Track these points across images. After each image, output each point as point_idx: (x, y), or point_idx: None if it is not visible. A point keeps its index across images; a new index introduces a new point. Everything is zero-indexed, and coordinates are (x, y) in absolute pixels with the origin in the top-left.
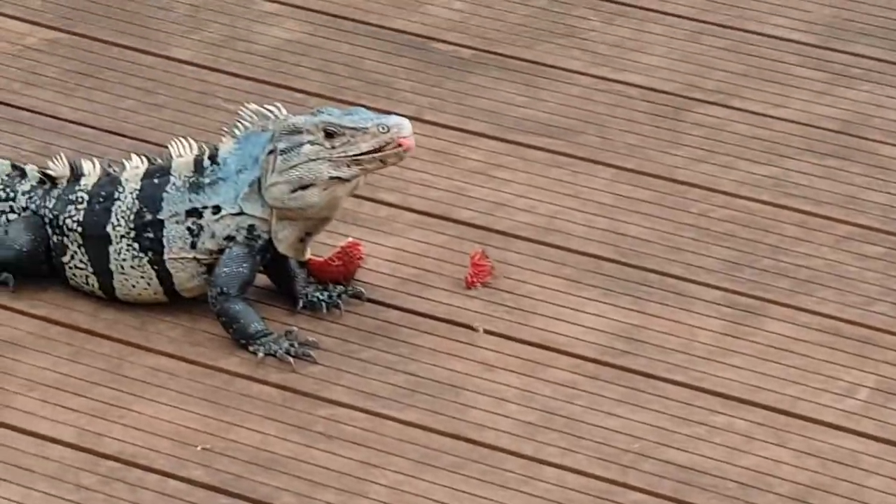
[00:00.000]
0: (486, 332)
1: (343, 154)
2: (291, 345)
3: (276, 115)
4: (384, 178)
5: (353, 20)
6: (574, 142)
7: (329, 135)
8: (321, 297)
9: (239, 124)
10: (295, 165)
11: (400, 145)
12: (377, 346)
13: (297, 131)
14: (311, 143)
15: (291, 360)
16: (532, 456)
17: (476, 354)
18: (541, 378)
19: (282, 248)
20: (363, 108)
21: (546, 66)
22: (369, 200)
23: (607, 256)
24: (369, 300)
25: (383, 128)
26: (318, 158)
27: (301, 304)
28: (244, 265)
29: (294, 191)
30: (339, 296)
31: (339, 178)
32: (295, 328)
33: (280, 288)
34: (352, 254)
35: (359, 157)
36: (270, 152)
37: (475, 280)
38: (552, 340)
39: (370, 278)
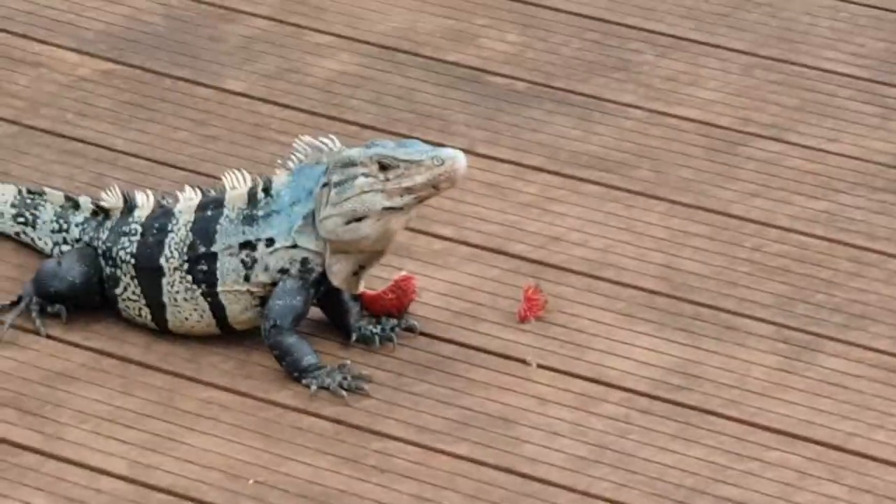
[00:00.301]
0: (539, 366)
1: (397, 186)
2: (344, 378)
3: (330, 148)
4: (438, 212)
5: (407, 52)
6: (628, 176)
7: (383, 167)
8: (374, 330)
9: (293, 157)
10: (349, 198)
11: (453, 178)
12: (430, 379)
13: (350, 164)
14: (365, 175)
15: (344, 393)
16: (585, 491)
17: (529, 388)
18: (594, 412)
19: (336, 281)
20: (417, 140)
21: (601, 99)
22: (423, 234)
23: (661, 291)
24: (422, 333)
25: (437, 160)
26: (372, 190)
27: (354, 337)
28: (297, 298)
29: (348, 223)
30: (392, 329)
31: (392, 209)
32: (348, 361)
33: (333, 321)
34: (405, 287)
35: (412, 188)
36: (324, 185)
37: (528, 314)
38: (605, 375)
39: (424, 311)
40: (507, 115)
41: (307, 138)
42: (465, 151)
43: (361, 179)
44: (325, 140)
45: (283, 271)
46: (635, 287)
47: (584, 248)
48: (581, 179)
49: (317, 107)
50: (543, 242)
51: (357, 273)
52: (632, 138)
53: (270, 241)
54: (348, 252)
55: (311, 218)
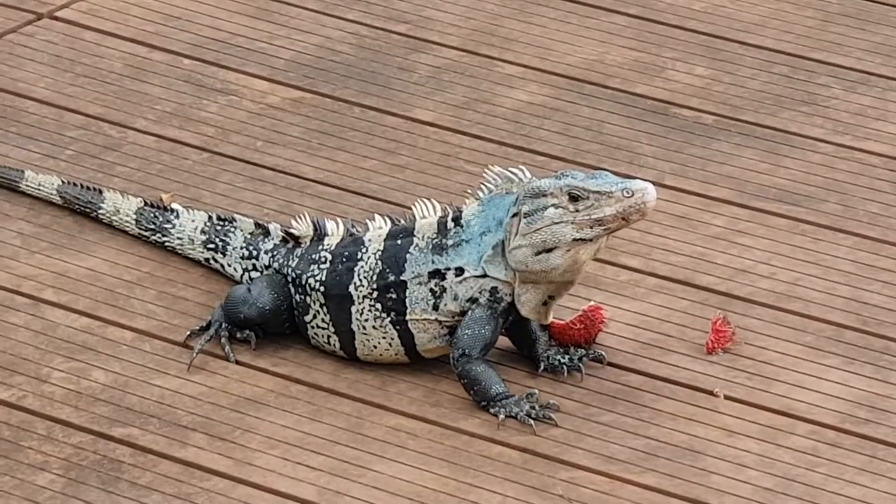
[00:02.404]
0: (727, 397)
1: (587, 217)
2: (532, 407)
3: (520, 178)
4: (626, 243)
5: (595, 84)
6: (816, 209)
7: (573, 198)
8: (562, 360)
9: (483, 186)
10: (539, 228)
11: (643, 210)
12: (617, 409)
13: (541, 194)
14: (556, 206)
15: (532, 422)
16: None
17: (716, 420)
18: (781, 445)
19: (524, 311)
20: (607, 172)
21: (788, 133)
22: (611, 265)
23: (849, 324)
24: (610, 364)
25: (628, 192)
26: (562, 221)
27: (542, 366)
28: (486, 327)
29: (538, 253)
30: (580, 359)
31: (582, 240)
32: (536, 391)
33: (521, 350)
34: (594, 317)
35: (601, 220)
36: (514, 215)
37: (716, 345)
38: (793, 407)
39: (611, 342)
40: (694, 148)
41: (497, 168)
42: (653, 183)
43: (552, 210)
44: (516, 170)
45: (473, 300)
46: (823, 320)
47: (771, 281)
48: (768, 212)
49: (505, 137)
50: (731, 274)
51: (546, 303)
52: (819, 172)
53: (460, 271)
54: (537, 282)
55: (500, 247)
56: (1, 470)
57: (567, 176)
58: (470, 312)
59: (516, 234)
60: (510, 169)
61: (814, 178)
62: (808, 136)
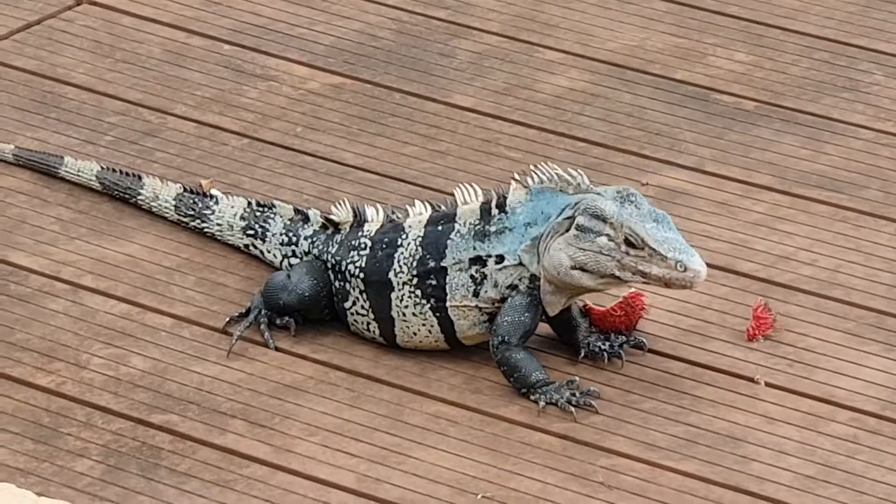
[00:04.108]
0: (768, 384)
1: (633, 264)
2: (573, 394)
3: (578, 183)
4: None
5: (635, 70)
6: (857, 196)
7: (629, 243)
8: (603, 346)
9: (534, 176)
10: (584, 249)
11: (687, 287)
12: (658, 396)
13: (601, 218)
14: (610, 238)
15: (573, 409)
16: None
17: (757, 407)
18: (822, 432)
19: (550, 310)
20: (670, 220)
21: (829, 119)
22: None
23: (890, 311)
24: (651, 351)
25: (682, 266)
26: (609, 255)
27: (583, 353)
28: (526, 314)
29: (573, 268)
30: (620, 346)
31: (619, 279)
32: (576, 378)
33: (562, 337)
34: (634, 304)
35: (645, 274)
36: (567, 219)
37: (757, 332)
38: (833, 394)
39: (652, 329)
40: (735, 134)
41: (554, 166)
42: (693, 169)
43: (604, 240)
44: (574, 173)
45: (512, 287)
46: (864, 307)
47: (812, 268)
48: (810, 199)
49: (546, 123)
50: (772, 261)
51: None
52: (861, 158)
53: (500, 258)
54: (560, 288)
55: (539, 241)
56: (40, 456)
57: (632, 204)
58: (510, 299)
59: (561, 237)
60: (568, 170)
61: (855, 165)
62: (850, 122)
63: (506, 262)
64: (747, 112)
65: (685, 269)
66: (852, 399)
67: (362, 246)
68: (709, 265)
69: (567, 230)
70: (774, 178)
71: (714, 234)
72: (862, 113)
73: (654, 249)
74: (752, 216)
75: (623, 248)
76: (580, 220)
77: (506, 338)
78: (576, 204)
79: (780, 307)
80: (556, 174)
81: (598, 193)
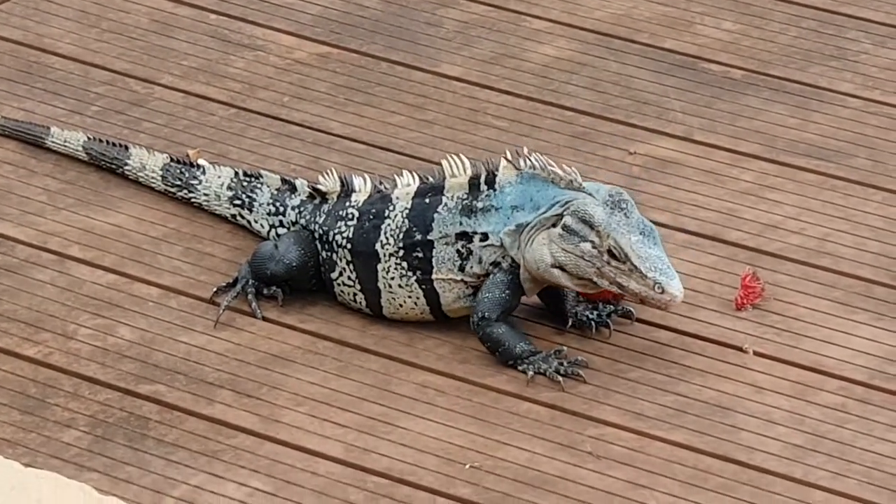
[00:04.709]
0: (756, 353)
1: (612, 275)
2: (561, 363)
3: (571, 179)
4: (654, 198)
5: (623, 39)
6: (846, 164)
7: (612, 254)
8: (591, 316)
9: (528, 160)
10: (567, 250)
11: (661, 308)
12: (646, 366)
13: (589, 224)
14: (594, 245)
15: (561, 378)
16: (801, 479)
17: (745, 376)
18: (810, 401)
19: (528, 293)
20: (659, 237)
21: (817, 88)
22: None
23: (879, 280)
24: (639, 320)
25: (659, 288)
26: (590, 262)
27: (570, 322)
28: (507, 291)
29: (553, 266)
30: (608, 315)
31: (595, 284)
32: (564, 347)
33: (549, 307)
34: None
35: (622, 287)
36: (556, 215)
37: (745, 301)
38: (822, 363)
39: None
40: (723, 103)
41: (549, 160)
42: (682, 139)
43: (588, 247)
44: (567, 168)
45: (495, 265)
46: (853, 276)
47: (801, 236)
48: (798, 167)
49: (533, 92)
50: (760, 230)
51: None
52: (849, 127)
53: (485, 237)
54: (536, 280)
55: (523, 229)
56: (28, 427)
57: (622, 212)
58: (491, 276)
59: (545, 233)
60: (563, 165)
61: (843, 133)
62: (838, 90)
63: (489, 241)
64: (735, 81)
65: (662, 292)
66: (841, 368)
67: (350, 216)
68: (697, 234)
69: (553, 226)
70: (762, 147)
71: (702, 203)
72: (850, 81)
73: (635, 266)
74: (741, 185)
75: (605, 257)
76: (568, 220)
77: (485, 314)
78: (567, 203)
79: (768, 276)
80: (550, 168)
81: (590, 194)
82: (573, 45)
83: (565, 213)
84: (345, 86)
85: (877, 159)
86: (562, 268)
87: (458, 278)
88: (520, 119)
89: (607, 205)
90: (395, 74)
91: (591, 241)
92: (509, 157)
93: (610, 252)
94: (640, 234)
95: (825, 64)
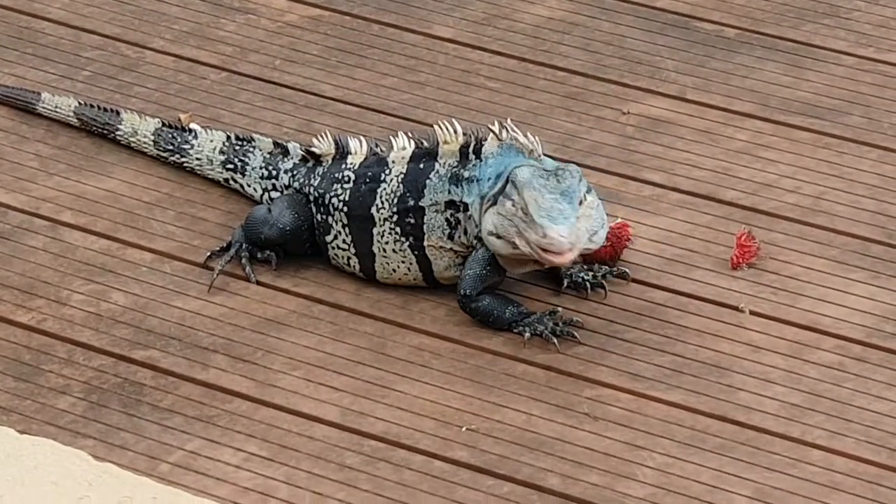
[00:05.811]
0: (752, 313)
1: (524, 233)
2: (556, 325)
3: (531, 149)
4: (648, 158)
5: None
6: (840, 122)
7: (525, 212)
8: (586, 277)
9: (507, 130)
10: (501, 214)
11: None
12: (642, 326)
13: (514, 184)
14: (513, 204)
15: (556, 340)
16: (799, 438)
17: (742, 336)
18: (807, 360)
19: (509, 270)
20: (574, 196)
21: (811, 45)
22: (633, 180)
23: (874, 238)
24: (634, 280)
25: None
26: (511, 220)
27: (566, 283)
28: (488, 268)
29: (491, 234)
30: (604, 276)
31: (517, 249)
32: (559, 308)
33: (545, 268)
34: (620, 234)
35: (529, 243)
36: (503, 185)
37: (741, 260)
38: (818, 322)
39: (635, 259)
40: (716, 62)
41: (515, 128)
42: (676, 98)
43: (509, 204)
44: (531, 137)
45: (478, 238)
46: (848, 234)
47: (796, 195)
48: (792, 126)
49: (525, 53)
50: (755, 189)
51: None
52: (843, 84)
53: (466, 207)
54: (499, 252)
55: (483, 201)
56: (22, 394)
57: (554, 178)
58: (474, 252)
59: (494, 204)
60: (527, 134)
61: (837, 91)
62: (831, 48)
63: (470, 212)
64: (728, 39)
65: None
66: (837, 327)
67: (346, 179)
68: (692, 194)
69: (502, 196)
70: (756, 106)
71: (697, 163)
72: (843, 39)
73: (528, 213)
74: (735, 144)
75: (520, 213)
76: (507, 187)
77: (466, 291)
78: (509, 175)
79: (763, 235)
80: (515, 136)
81: (542, 164)
82: (565, 5)
83: (508, 181)
84: (336, 48)
85: (871, 117)
86: (497, 235)
87: (448, 247)
88: (512, 80)
89: (538, 171)
90: (387, 36)
91: (513, 200)
92: (495, 128)
93: (523, 209)
94: (560, 194)
95: (818, 21)
